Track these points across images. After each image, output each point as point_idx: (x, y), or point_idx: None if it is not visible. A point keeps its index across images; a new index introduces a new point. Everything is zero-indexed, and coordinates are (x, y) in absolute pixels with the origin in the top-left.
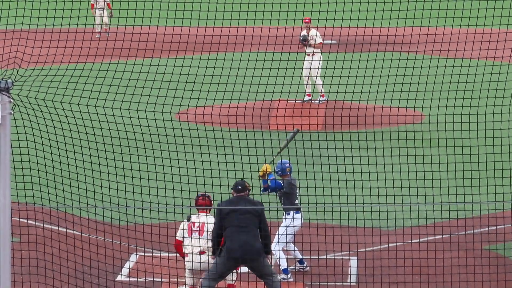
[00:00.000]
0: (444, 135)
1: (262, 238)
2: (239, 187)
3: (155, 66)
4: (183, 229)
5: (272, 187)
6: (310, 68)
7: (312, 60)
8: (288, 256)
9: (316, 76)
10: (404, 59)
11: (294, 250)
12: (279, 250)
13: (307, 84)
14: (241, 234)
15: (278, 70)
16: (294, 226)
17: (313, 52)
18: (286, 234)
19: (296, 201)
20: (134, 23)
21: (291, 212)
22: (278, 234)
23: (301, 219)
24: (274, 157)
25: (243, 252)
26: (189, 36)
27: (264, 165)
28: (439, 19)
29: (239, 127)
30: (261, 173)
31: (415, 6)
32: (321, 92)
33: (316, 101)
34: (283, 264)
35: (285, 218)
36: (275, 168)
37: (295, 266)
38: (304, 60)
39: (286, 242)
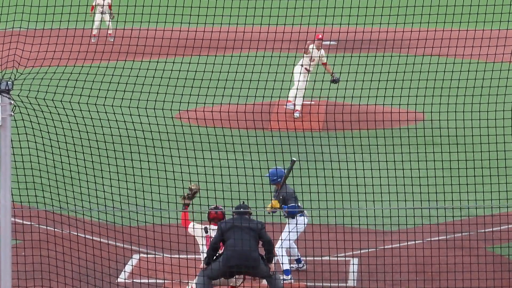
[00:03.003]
0: (445, 136)
1: (265, 245)
2: (241, 210)
3: (154, 66)
4: (200, 237)
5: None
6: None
7: (306, 77)
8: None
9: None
10: (404, 59)
11: (295, 249)
12: (282, 254)
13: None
14: (239, 246)
15: (277, 69)
16: (301, 227)
17: (310, 68)
18: (290, 236)
19: (299, 203)
20: (133, 21)
21: (296, 216)
22: (282, 235)
23: (305, 223)
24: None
25: (239, 261)
26: (188, 35)
27: (271, 201)
28: (439, 19)
29: (239, 127)
30: (268, 209)
31: (414, 4)
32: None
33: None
34: (285, 265)
35: (289, 222)
36: (269, 175)
37: (292, 264)
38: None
39: (289, 244)
